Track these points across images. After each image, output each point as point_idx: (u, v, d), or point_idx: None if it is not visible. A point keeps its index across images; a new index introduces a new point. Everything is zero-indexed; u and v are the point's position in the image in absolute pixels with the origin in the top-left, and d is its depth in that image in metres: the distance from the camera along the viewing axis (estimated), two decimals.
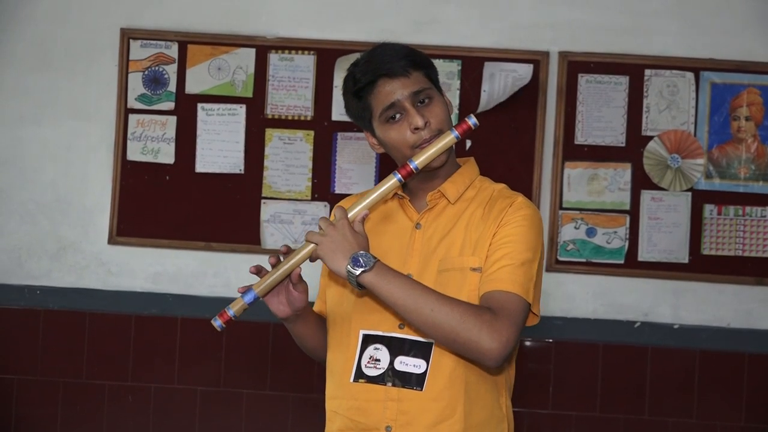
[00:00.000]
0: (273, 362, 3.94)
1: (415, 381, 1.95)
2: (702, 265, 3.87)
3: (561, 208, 3.90)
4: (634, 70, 3.89)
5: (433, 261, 2.00)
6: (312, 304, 2.12)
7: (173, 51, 3.98)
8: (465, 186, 2.06)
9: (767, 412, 3.85)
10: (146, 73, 3.98)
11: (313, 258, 1.94)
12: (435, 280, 1.97)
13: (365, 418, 1.97)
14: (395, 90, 1.99)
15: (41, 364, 3.98)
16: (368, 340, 1.99)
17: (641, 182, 3.88)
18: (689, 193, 3.87)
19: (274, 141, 3.96)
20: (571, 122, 3.90)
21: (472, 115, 1.99)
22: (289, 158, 3.95)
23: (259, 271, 2.00)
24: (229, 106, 3.97)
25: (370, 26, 3.94)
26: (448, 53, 3.91)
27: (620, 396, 3.87)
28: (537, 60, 3.89)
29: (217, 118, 3.97)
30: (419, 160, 1.96)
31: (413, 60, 2.01)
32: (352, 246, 1.89)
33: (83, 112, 4.01)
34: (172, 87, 3.98)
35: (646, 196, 3.88)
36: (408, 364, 1.96)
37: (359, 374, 1.98)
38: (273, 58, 3.96)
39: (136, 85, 3.98)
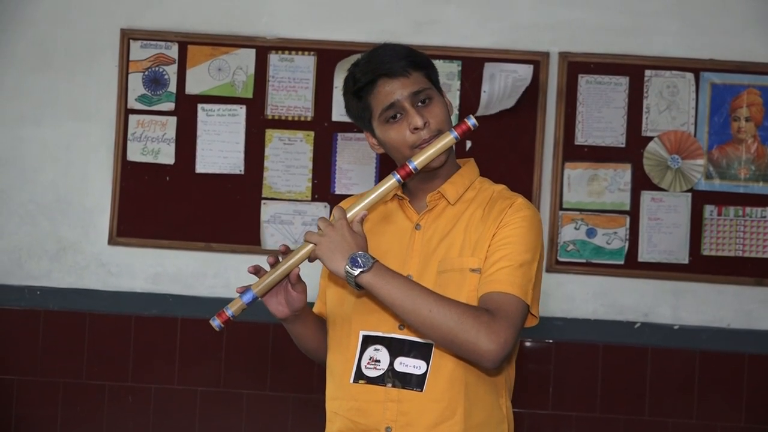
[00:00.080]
0: (273, 363, 3.94)
1: (415, 382, 1.95)
2: (702, 266, 3.87)
3: (561, 208, 3.90)
4: (634, 71, 3.89)
5: (432, 262, 2.00)
6: (311, 304, 2.11)
7: (173, 51, 3.99)
8: (465, 187, 2.06)
9: (767, 413, 3.85)
10: (146, 73, 3.98)
11: (311, 258, 1.94)
12: (435, 281, 1.96)
13: (365, 419, 1.97)
14: (395, 90, 1.99)
15: (41, 364, 3.98)
16: (368, 341, 1.99)
17: (641, 183, 3.88)
18: (689, 194, 3.87)
19: (274, 142, 3.96)
20: (571, 123, 3.90)
21: (471, 116, 1.99)
22: (289, 159, 3.95)
23: (257, 271, 2.00)
24: (229, 106, 3.97)
25: (371, 27, 3.94)
26: (448, 54, 3.91)
27: (620, 396, 3.87)
28: (537, 61, 3.90)
29: (217, 118, 3.97)
30: (418, 161, 1.96)
31: (413, 60, 2.02)
32: (351, 246, 1.89)
33: (83, 112, 4.02)
34: (173, 87, 3.98)
35: (646, 196, 3.88)
36: (408, 365, 1.96)
37: (359, 375, 1.98)
38: (273, 58, 3.96)
39: (136, 85, 3.98)
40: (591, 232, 3.89)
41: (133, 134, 3.98)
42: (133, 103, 3.98)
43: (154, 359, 3.97)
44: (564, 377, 3.90)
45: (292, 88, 3.96)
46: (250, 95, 3.97)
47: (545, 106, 3.90)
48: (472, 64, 3.91)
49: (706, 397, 3.85)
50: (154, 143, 3.97)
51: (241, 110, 3.97)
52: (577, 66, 3.90)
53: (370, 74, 2.01)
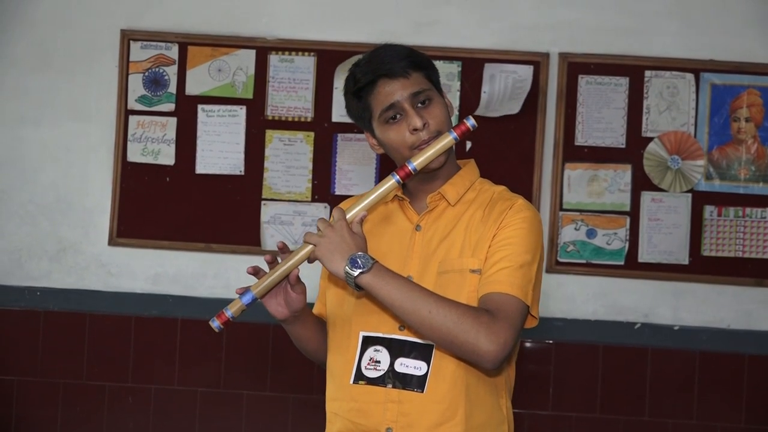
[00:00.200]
0: (273, 363, 3.94)
1: (415, 383, 1.95)
2: (702, 267, 3.87)
3: (561, 209, 3.90)
4: (634, 72, 3.89)
5: (432, 263, 2.00)
6: (311, 305, 2.11)
7: (173, 52, 3.99)
8: (465, 188, 2.06)
9: (767, 414, 3.85)
10: (146, 74, 3.98)
11: (311, 259, 1.94)
12: (435, 282, 1.96)
13: (365, 420, 1.97)
14: (395, 91, 1.99)
15: (41, 365, 3.98)
16: (368, 341, 1.99)
17: (641, 183, 3.88)
18: (689, 195, 3.87)
19: (275, 142, 3.96)
20: (572, 123, 3.90)
21: (470, 117, 1.99)
22: (289, 159, 3.95)
23: (257, 272, 1.99)
24: (229, 107, 3.97)
25: (371, 28, 3.94)
26: (449, 54, 3.91)
27: (620, 397, 3.87)
28: (537, 61, 3.90)
29: (217, 119, 3.97)
30: (417, 162, 1.96)
31: (413, 61, 2.02)
32: (350, 247, 1.89)
33: (83, 113, 4.02)
34: (173, 88, 3.98)
35: (646, 197, 3.88)
36: (408, 365, 1.96)
37: (359, 376, 1.98)
38: (273, 59, 3.97)
39: (136, 86, 3.98)
40: (591, 233, 3.89)
41: (133, 135, 3.98)
42: (133, 104, 3.98)
43: (154, 360, 3.97)
44: (564, 378, 3.90)
45: (292, 89, 3.96)
46: (250, 96, 3.97)
47: (545, 107, 3.90)
48: (472, 65, 3.91)
49: (706, 397, 3.85)
50: (154, 144, 3.97)
51: (241, 111, 3.97)
52: (577, 66, 3.90)
53: (370, 74, 2.01)
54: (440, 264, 1.99)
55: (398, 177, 1.97)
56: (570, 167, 3.90)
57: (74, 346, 3.97)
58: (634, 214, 3.88)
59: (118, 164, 3.98)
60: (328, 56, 3.95)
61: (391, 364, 1.96)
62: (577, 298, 3.91)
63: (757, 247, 3.86)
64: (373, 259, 1.89)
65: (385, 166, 3.90)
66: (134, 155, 3.98)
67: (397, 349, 1.97)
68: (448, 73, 3.90)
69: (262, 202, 3.96)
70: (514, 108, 3.85)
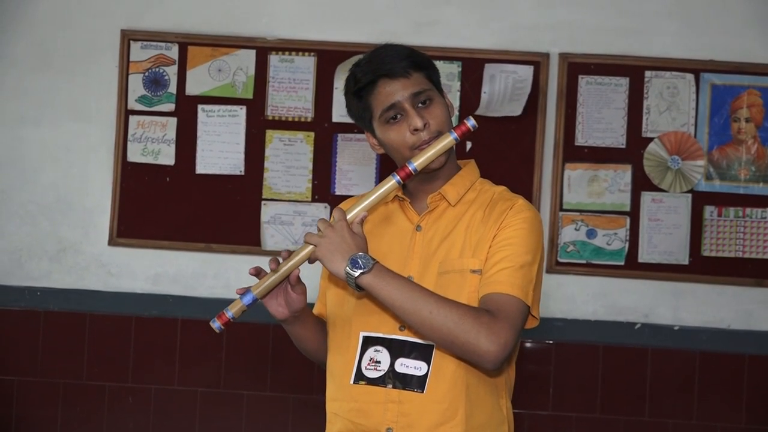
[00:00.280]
0: (273, 363, 3.94)
1: (415, 383, 1.95)
2: (702, 267, 3.87)
3: (561, 209, 3.90)
4: (634, 72, 3.89)
5: (433, 263, 2.00)
6: (311, 306, 2.11)
7: (173, 52, 3.99)
8: (465, 188, 2.06)
9: (767, 414, 3.85)
10: (146, 74, 3.98)
11: (311, 260, 1.94)
12: (435, 282, 1.96)
13: (366, 420, 1.97)
14: (395, 91, 1.99)
15: (41, 365, 3.98)
16: (368, 342, 1.99)
17: (641, 184, 3.88)
18: (689, 195, 3.87)
19: (275, 142, 3.96)
20: (572, 124, 3.90)
21: (470, 117, 1.99)
22: (289, 160, 3.95)
23: (258, 272, 2.00)
24: (229, 107, 3.97)
25: (371, 28, 3.94)
26: (449, 55, 3.91)
27: (620, 397, 3.87)
28: (537, 61, 3.90)
29: (217, 119, 3.97)
30: (418, 162, 1.96)
31: (414, 61, 2.02)
32: (351, 247, 1.89)
33: (83, 113, 4.02)
34: (173, 88, 3.98)
35: (646, 197, 3.88)
36: (408, 366, 1.96)
37: (359, 376, 1.98)
38: (273, 59, 3.97)
39: (136, 86, 3.98)
40: (591, 233, 3.89)
41: (133, 135, 3.98)
42: (133, 104, 3.98)
43: (155, 360, 3.97)
44: (564, 378, 3.90)
45: (292, 89, 3.96)
46: (250, 96, 3.97)
47: (545, 107, 3.90)
48: (473, 65, 3.91)
49: (706, 397, 3.85)
50: (155, 144, 3.97)
51: (242, 111, 3.97)
52: (577, 67, 3.90)
53: (370, 74, 2.01)
54: (441, 264, 1.99)
55: (399, 177, 1.97)
56: (570, 167, 3.90)
57: (74, 346, 3.97)
58: (634, 214, 3.88)
59: (118, 164, 3.98)
60: (328, 56, 3.95)
61: (392, 365, 1.96)
62: (577, 299, 3.91)
63: (757, 248, 3.86)
64: (374, 259, 1.89)
65: (386, 166, 3.90)
66: (134, 155, 3.98)
67: (397, 349, 1.97)
68: (448, 73, 3.90)
69: (263, 202, 3.96)
70: (516, 110, 3.85)
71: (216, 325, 1.98)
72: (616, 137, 3.90)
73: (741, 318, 3.88)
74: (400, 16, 3.97)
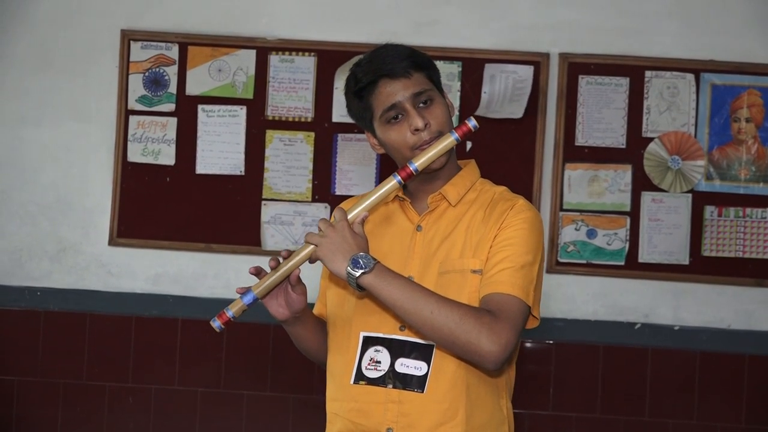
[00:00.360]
0: (273, 363, 3.94)
1: (416, 383, 1.95)
2: (702, 267, 3.87)
3: (561, 209, 3.90)
4: (634, 72, 3.89)
5: (433, 263, 2.00)
6: (311, 306, 2.11)
7: (174, 52, 3.99)
8: (466, 188, 2.06)
9: (767, 414, 3.85)
10: (147, 74, 3.98)
11: (312, 259, 1.94)
12: (436, 283, 1.96)
13: (366, 420, 1.97)
14: (396, 91, 1.99)
15: (42, 365, 3.98)
16: (369, 342, 1.99)
17: (642, 184, 3.88)
18: (689, 195, 3.87)
19: (275, 142, 3.96)
20: (572, 124, 3.90)
21: (472, 118, 1.99)
22: (289, 160, 3.95)
23: (258, 272, 1.99)
24: (229, 107, 3.97)
25: (371, 28, 3.94)
26: (449, 55, 3.91)
27: (621, 397, 3.87)
28: (537, 62, 3.90)
29: (217, 119, 3.97)
30: (419, 162, 1.96)
31: (415, 61, 2.02)
32: (352, 247, 1.89)
33: (84, 113, 4.02)
34: (173, 88, 3.98)
35: (646, 197, 3.88)
36: (409, 366, 1.96)
37: (359, 376, 1.98)
38: (273, 59, 3.97)
39: (136, 86, 3.98)
40: (591, 233, 3.89)
41: (133, 135, 3.98)
42: (133, 104, 3.98)
43: (155, 360, 3.97)
44: (564, 378, 3.90)
45: (292, 89, 3.96)
46: (250, 96, 3.97)
47: (545, 107, 3.90)
48: (473, 65, 3.91)
49: (706, 397, 3.85)
50: (155, 144, 3.97)
51: (242, 111, 3.97)
52: (577, 67, 3.90)
53: (371, 74, 2.01)
54: (441, 264, 1.99)
55: (399, 178, 1.97)
56: (570, 167, 3.90)
57: (74, 346, 3.97)
58: (634, 214, 3.88)
59: (119, 164, 3.98)
60: (328, 56, 3.95)
61: (392, 365, 1.96)
62: (578, 299, 3.91)
63: (758, 248, 3.87)
64: (375, 259, 1.89)
65: (386, 166, 3.90)
66: (134, 155, 3.98)
67: (397, 349, 1.97)
68: (449, 73, 3.90)
69: (263, 203, 3.96)
70: (517, 112, 3.85)
71: (216, 324, 1.98)
72: (616, 137, 3.90)
73: (741, 318, 3.88)
74: (400, 16, 3.97)
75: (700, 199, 3.87)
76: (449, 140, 1.96)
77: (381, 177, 3.91)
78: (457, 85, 3.91)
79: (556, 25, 3.93)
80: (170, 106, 3.98)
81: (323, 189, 3.95)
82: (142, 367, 3.97)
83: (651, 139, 3.89)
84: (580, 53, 3.91)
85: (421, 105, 2.00)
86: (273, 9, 4.00)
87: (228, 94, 3.97)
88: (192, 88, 3.98)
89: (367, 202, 1.97)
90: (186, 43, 3.98)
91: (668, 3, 3.93)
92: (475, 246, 1.98)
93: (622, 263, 3.88)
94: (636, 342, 3.88)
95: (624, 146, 3.89)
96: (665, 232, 3.87)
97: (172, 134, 3.97)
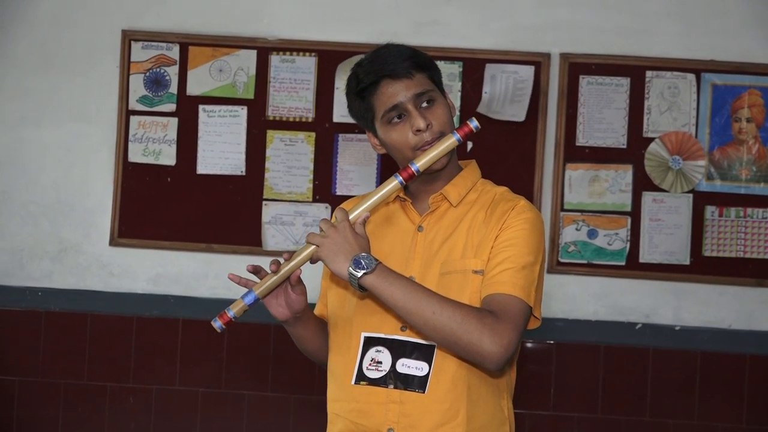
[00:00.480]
0: (274, 364, 3.94)
1: (417, 383, 1.95)
2: (703, 267, 3.87)
3: (562, 209, 3.90)
4: (635, 72, 3.89)
5: (435, 264, 2.00)
6: (312, 306, 2.11)
7: (174, 53, 3.99)
8: (467, 189, 2.06)
9: None
10: (147, 74, 3.98)
11: (314, 260, 1.94)
12: (437, 283, 1.96)
13: (367, 421, 1.97)
14: (398, 91, 1.99)
15: (42, 365, 3.98)
16: (370, 342, 1.99)
17: (642, 184, 3.88)
18: (690, 195, 3.87)
19: (276, 143, 3.96)
20: (573, 124, 3.90)
21: (473, 119, 1.99)
22: (290, 160, 3.95)
23: (257, 270, 1.99)
24: (230, 107, 3.97)
25: (371, 28, 3.94)
26: (449, 55, 3.91)
27: (621, 397, 3.87)
28: (538, 62, 3.90)
29: (218, 119, 3.97)
30: (420, 163, 1.96)
31: (417, 62, 2.01)
32: (353, 248, 1.89)
33: (84, 113, 4.02)
34: (174, 89, 3.98)
35: (647, 197, 3.88)
36: (410, 366, 1.96)
37: (361, 376, 1.98)
38: (274, 59, 3.97)
39: (137, 86, 3.98)
40: (592, 233, 3.89)
41: (134, 135, 3.98)
42: (134, 104, 3.98)
43: (156, 360, 3.97)
44: (565, 378, 3.90)
45: (293, 89, 3.96)
46: (251, 96, 3.97)
47: (546, 108, 3.90)
48: (473, 65, 3.91)
49: (707, 398, 3.85)
50: (155, 144, 3.97)
51: (242, 111, 3.97)
52: (578, 67, 3.90)
53: (373, 75, 2.01)
54: (442, 265, 1.99)
55: (401, 178, 1.97)
56: (571, 167, 3.90)
57: (75, 346, 3.98)
58: (635, 214, 3.88)
59: (119, 165, 3.98)
60: (329, 56, 3.95)
61: (393, 365, 1.96)
62: (578, 299, 3.91)
63: (759, 248, 3.86)
64: (377, 259, 1.89)
65: (387, 166, 3.90)
66: (135, 155, 3.98)
67: (398, 349, 1.97)
68: (449, 73, 3.90)
69: (263, 203, 3.96)
70: (519, 115, 3.85)
71: (217, 324, 1.98)
72: (617, 137, 3.90)
73: (742, 318, 3.88)
74: (401, 16, 3.97)
75: (701, 199, 3.87)
76: (451, 141, 1.97)
77: (382, 177, 3.90)
78: (458, 85, 3.91)
79: (556, 25, 3.93)
80: (171, 107, 3.98)
81: (324, 189, 3.95)
82: (143, 368, 3.97)
83: (652, 139, 3.89)
84: (580, 53, 3.91)
85: (423, 106, 2.00)
86: (274, 9, 4.00)
87: (229, 94, 3.97)
88: (193, 89, 3.98)
89: (369, 203, 1.97)
90: (187, 43, 3.98)
91: (668, 3, 3.93)
92: (476, 246, 1.98)
93: (623, 263, 3.88)
94: (637, 342, 3.88)
95: (625, 146, 3.89)
96: (666, 232, 3.87)
97: (172, 134, 3.97)
